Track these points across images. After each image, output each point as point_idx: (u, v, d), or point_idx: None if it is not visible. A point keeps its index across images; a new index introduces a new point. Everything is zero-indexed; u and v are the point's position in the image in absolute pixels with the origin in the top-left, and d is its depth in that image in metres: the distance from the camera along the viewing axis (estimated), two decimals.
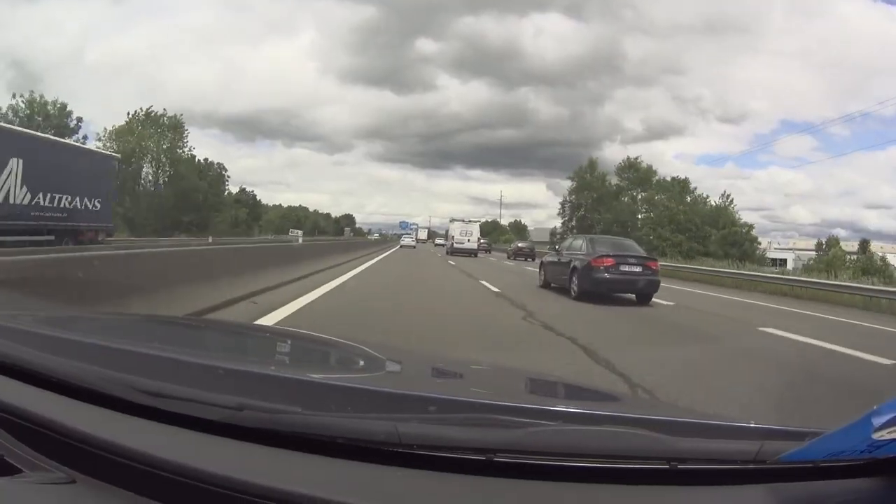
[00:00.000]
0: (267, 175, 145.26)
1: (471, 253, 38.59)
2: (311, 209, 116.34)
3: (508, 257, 40.09)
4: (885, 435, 0.77)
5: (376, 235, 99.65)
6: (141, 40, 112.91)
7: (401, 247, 53.32)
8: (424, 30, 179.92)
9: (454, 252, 38.59)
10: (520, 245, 42.86)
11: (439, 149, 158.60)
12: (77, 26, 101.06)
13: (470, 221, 43.91)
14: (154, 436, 0.92)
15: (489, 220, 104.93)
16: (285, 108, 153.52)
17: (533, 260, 35.34)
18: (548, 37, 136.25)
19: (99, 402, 1.01)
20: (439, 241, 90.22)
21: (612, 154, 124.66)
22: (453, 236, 41.67)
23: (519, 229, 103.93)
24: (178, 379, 1.05)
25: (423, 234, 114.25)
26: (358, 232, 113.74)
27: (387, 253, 33.32)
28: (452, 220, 44.67)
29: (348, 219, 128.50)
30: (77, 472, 0.89)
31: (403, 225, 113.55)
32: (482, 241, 46.70)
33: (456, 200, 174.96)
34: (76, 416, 0.97)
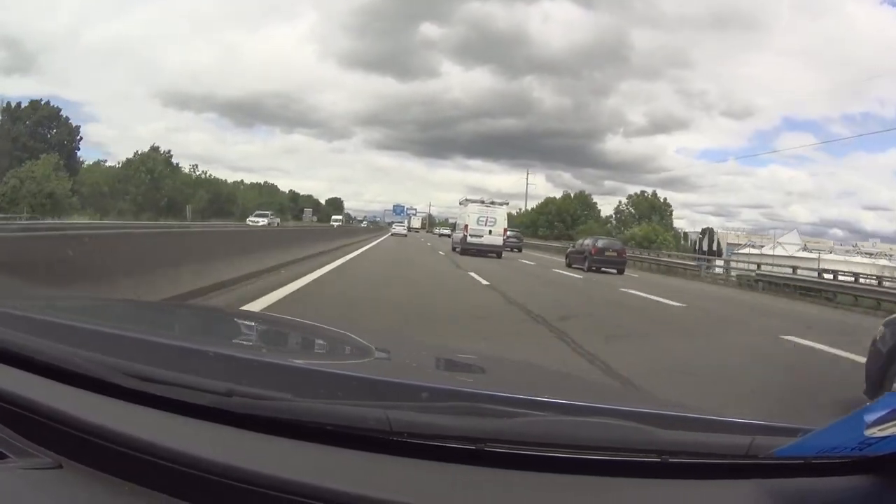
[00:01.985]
0: (264, 161, 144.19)
1: (492, 251, 26.01)
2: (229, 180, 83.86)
3: (568, 264, 24.42)
4: (876, 432, 0.78)
5: (338, 221, 74.33)
6: (137, 21, 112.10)
7: (392, 235, 51.31)
8: (429, 13, 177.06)
9: (467, 250, 25.64)
10: (600, 245, 23.98)
11: (439, 137, 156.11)
12: (72, 7, 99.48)
13: (493, 203, 27.77)
14: (142, 420, 0.91)
15: (578, 193, 75.46)
16: (284, 92, 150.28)
17: (620, 272, 22.32)
18: (555, 24, 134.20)
19: (86, 386, 1.00)
20: (444, 231, 74.76)
21: (615, 146, 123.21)
22: (466, 225, 26.51)
23: (651, 208, 61.91)
24: (166, 363, 1.04)
25: (416, 223, 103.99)
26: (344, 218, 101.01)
27: (356, 252, 20.58)
28: (466, 201, 28.21)
29: (336, 203, 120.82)
30: (64, 456, 0.88)
31: (397, 210, 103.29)
32: (510, 232, 31.33)
33: (454, 190, 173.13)
34: (63, 399, 0.96)
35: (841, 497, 0.85)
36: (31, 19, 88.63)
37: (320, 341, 1.82)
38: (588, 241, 25.33)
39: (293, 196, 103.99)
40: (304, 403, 0.93)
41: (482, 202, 27.63)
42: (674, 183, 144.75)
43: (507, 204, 29.90)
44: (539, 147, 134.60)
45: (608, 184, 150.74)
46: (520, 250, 36.82)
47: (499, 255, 25.92)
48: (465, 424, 0.89)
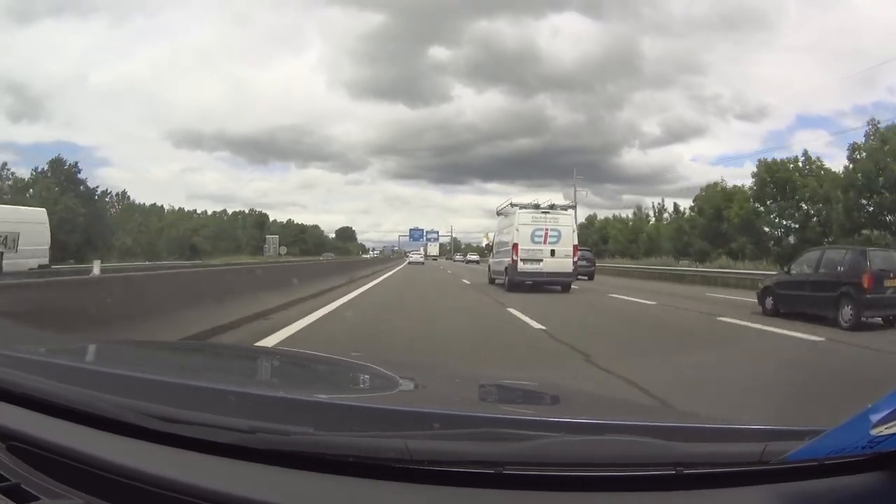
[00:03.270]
0: (282, 197, 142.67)
1: (558, 282, 16.78)
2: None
3: (774, 309, 11.04)
4: (883, 431, 0.79)
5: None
6: (145, 61, 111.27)
7: (409, 263, 48.43)
8: (437, 36, 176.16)
9: (517, 284, 16.36)
10: (880, 265, 9.55)
11: (455, 162, 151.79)
12: (78, 49, 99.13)
13: (552, 207, 17.86)
14: (168, 460, 0.94)
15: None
16: (297, 126, 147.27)
17: None
18: (565, 38, 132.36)
19: (112, 429, 1.03)
20: (472, 256, 62.95)
21: (632, 159, 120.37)
22: (516, 245, 16.78)
23: None
24: (189, 404, 1.07)
25: (433, 250, 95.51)
26: (347, 251, 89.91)
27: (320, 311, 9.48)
28: (513, 207, 18.27)
29: (347, 233, 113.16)
30: (93, 497, 0.91)
31: (415, 235, 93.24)
32: (580, 252, 19.42)
33: (473, 215, 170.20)
34: (91, 443, 1.00)
35: (854, 495, 0.85)
36: (36, 62, 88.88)
37: (340, 374, 1.84)
38: (841, 259, 10.63)
39: (258, 221, 78.35)
40: (326, 437, 0.96)
41: (537, 207, 17.25)
42: (692, 192, 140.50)
43: (574, 207, 18.69)
44: (555, 165, 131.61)
45: (626, 198, 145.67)
46: (591, 277, 24.70)
47: (566, 288, 16.65)
48: (483, 449, 0.91)
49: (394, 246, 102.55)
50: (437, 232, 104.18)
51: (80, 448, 0.98)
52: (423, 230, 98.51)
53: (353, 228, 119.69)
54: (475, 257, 57.94)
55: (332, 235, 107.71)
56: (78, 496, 0.92)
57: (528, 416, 1.10)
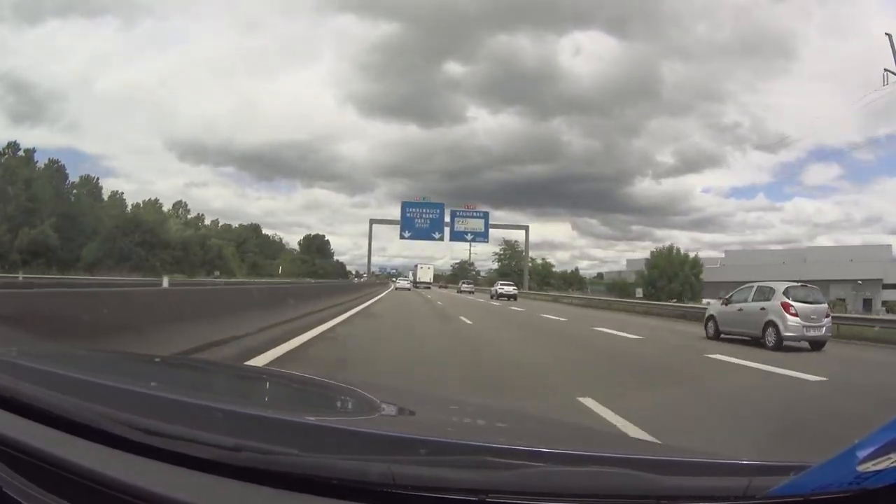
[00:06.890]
0: (287, 217, 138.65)
1: None
2: None
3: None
4: (870, 467, 0.79)
5: None
6: (150, 71, 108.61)
7: (395, 289, 45.40)
8: (452, 51, 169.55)
9: None
10: None
11: (464, 186, 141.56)
12: (83, 56, 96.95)
13: None
14: (152, 473, 0.94)
15: None
16: (304, 142, 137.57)
17: None
18: (586, 57, 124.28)
19: (98, 439, 1.03)
20: (506, 287, 42.21)
21: (644, 189, 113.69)
22: None
23: None
24: (176, 419, 1.06)
25: (425, 275, 74.12)
26: (330, 270, 72.87)
27: None
28: None
29: (318, 244, 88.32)
30: None
31: (414, 226, 53.35)
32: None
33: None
34: (75, 451, 0.99)
35: None
36: (40, 67, 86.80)
37: (328, 396, 1.83)
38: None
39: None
40: (311, 458, 0.95)
41: None
42: (702, 224, 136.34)
43: None
44: (566, 193, 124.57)
45: (635, 228, 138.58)
46: None
47: None
48: (466, 476, 0.91)
49: (393, 270, 79.98)
50: (488, 213, 57.22)
51: (62, 455, 0.98)
52: (439, 206, 54.17)
53: (321, 235, 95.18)
54: (512, 289, 41.88)
55: (296, 248, 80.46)
56: (58, 503, 0.91)
57: (513, 446, 1.09)
